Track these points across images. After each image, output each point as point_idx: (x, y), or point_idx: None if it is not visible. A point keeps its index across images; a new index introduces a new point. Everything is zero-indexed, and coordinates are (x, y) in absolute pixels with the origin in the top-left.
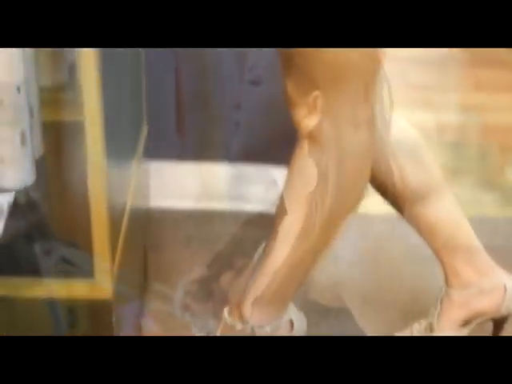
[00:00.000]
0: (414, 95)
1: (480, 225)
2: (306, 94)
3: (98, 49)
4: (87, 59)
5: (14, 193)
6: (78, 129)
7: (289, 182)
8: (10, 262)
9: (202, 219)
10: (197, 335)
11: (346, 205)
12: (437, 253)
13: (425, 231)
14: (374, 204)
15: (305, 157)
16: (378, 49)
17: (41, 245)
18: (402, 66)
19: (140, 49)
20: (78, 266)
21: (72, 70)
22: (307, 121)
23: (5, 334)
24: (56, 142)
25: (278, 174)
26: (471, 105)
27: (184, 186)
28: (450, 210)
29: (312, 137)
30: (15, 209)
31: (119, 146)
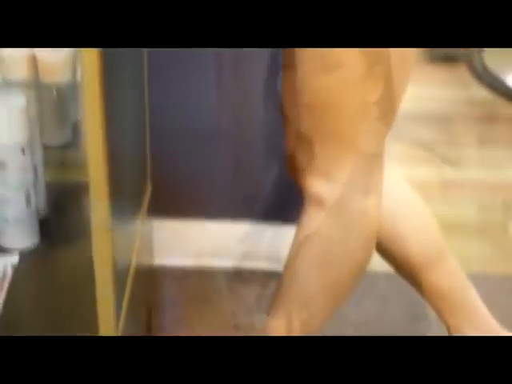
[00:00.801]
0: (416, 151)
1: (482, 282)
2: (315, 160)
3: (104, 106)
4: (92, 117)
5: (18, 254)
6: (82, 188)
7: (295, 246)
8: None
9: (205, 277)
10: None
11: (352, 270)
12: (441, 315)
13: (428, 295)
14: (378, 261)
15: (312, 222)
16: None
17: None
18: (404, 123)
19: (147, 110)
20: None
21: (76, 129)
22: (316, 187)
23: None
24: (60, 201)
25: (282, 232)
26: (474, 160)
27: (188, 243)
28: (453, 273)
29: (318, 202)
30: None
31: (123, 204)
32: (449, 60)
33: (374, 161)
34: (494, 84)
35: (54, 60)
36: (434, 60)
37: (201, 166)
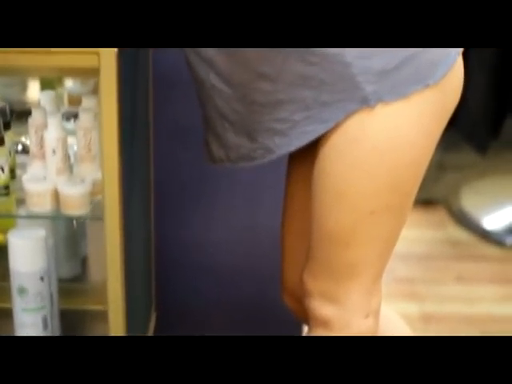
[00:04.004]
0: (400, 288)
1: None
2: (322, 285)
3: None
4: (113, 250)
5: None
6: (91, 315)
7: None
8: None
9: None
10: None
11: None
12: None
13: None
14: None
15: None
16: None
17: None
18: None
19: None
20: None
21: (84, 263)
22: (322, 310)
23: None
24: (72, 326)
25: None
26: (453, 296)
27: None
28: None
29: (324, 324)
30: None
31: (132, 331)
32: (428, 203)
33: (375, 286)
34: (470, 225)
35: (74, 194)
36: (414, 203)
37: (202, 293)
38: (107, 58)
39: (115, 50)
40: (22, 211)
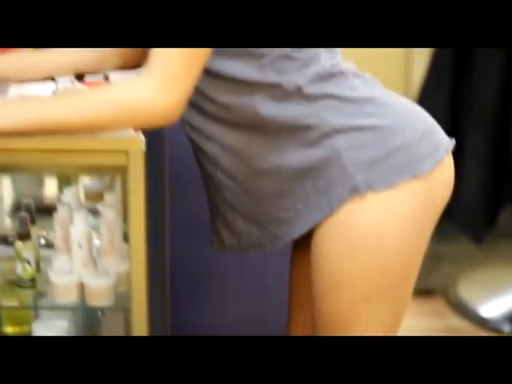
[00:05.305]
0: None
1: None
2: None
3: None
4: None
5: None
6: None
7: None
8: None
9: None
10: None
11: None
12: None
13: None
14: None
15: None
16: None
17: None
18: None
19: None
20: None
21: None
22: None
23: None
24: None
25: None
26: None
27: None
28: None
29: None
30: None
31: None
32: (426, 292)
33: None
34: (468, 314)
35: (100, 286)
36: (413, 293)
37: None
38: (135, 157)
39: (143, 148)
40: (45, 302)
